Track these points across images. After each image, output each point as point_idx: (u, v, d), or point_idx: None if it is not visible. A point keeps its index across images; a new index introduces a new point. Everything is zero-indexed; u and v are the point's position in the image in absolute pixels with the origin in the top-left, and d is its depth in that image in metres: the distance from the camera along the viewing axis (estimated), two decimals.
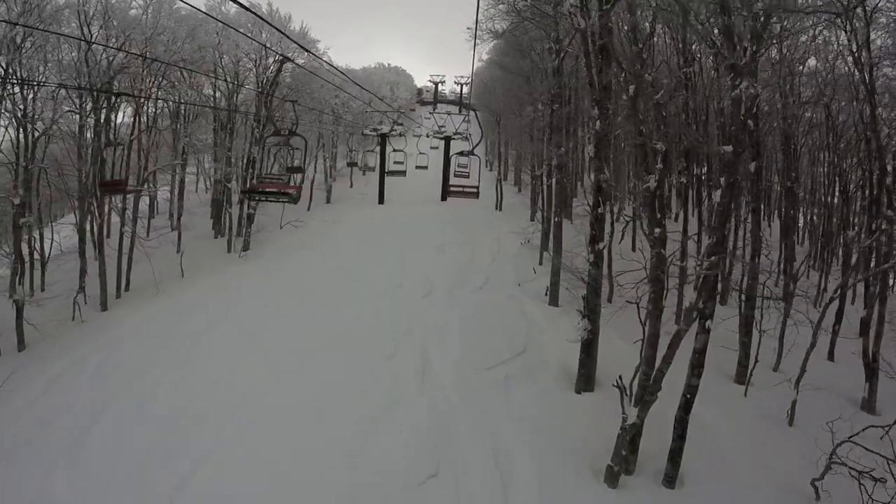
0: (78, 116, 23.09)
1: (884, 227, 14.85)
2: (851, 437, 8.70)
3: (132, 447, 11.99)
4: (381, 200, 38.50)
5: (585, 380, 14.12)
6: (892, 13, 16.65)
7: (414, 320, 18.39)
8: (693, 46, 21.81)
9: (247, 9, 8.62)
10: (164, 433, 12.40)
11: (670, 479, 10.47)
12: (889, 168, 15.50)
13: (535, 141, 32.20)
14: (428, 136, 39.26)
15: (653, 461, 10.78)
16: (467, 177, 32.02)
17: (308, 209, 37.43)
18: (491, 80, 47.05)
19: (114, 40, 23.45)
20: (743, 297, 15.21)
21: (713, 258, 8.91)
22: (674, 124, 17.42)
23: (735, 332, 15.86)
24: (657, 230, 9.70)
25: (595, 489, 10.50)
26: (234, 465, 11.26)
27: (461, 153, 30.24)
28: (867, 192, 19.74)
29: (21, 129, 20.37)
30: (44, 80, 21.49)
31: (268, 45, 27.70)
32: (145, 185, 27.65)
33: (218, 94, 32.60)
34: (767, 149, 21.49)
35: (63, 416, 13.54)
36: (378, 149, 38.42)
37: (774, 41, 14.95)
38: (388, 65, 74.82)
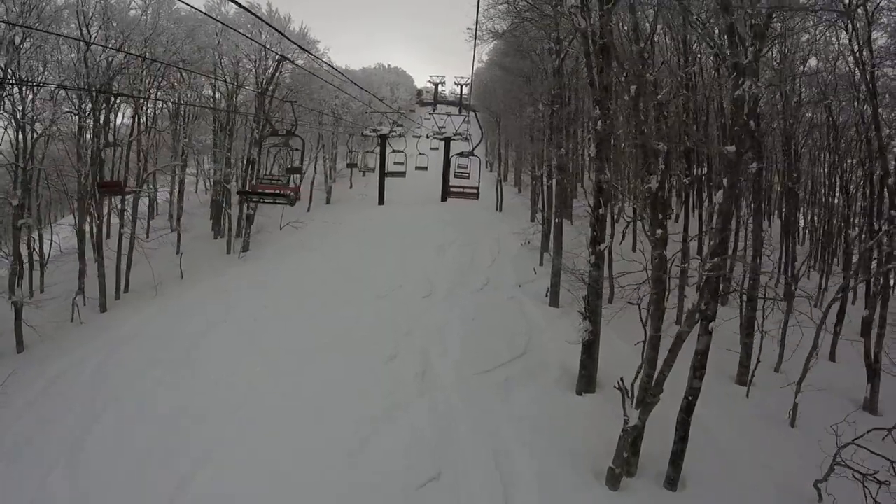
0: (77, 117, 23.04)
1: (886, 228, 14.78)
2: (855, 439, 8.63)
3: (133, 447, 11.97)
4: (380, 201, 38.45)
5: (586, 381, 14.06)
6: (893, 13, 16.59)
7: (414, 321, 18.33)
8: (693, 47, 21.81)
9: (246, 9, 8.58)
10: (165, 433, 12.39)
11: (672, 482, 10.41)
12: (891, 168, 15.44)
13: (535, 141, 32.17)
14: (428, 136, 39.22)
15: (654, 463, 10.72)
16: (467, 177, 31.99)
17: (308, 210, 37.40)
18: (491, 80, 47.05)
19: (113, 41, 23.40)
20: (744, 297, 15.14)
21: (716, 260, 8.85)
22: (674, 124, 17.36)
23: (735, 333, 15.83)
24: (659, 231, 9.65)
25: (596, 491, 10.44)
26: (235, 465, 11.24)
27: (461, 154, 30.20)
28: (868, 192, 19.69)
29: (20, 130, 20.33)
30: (43, 80, 21.42)
31: (267, 45, 27.65)
32: (144, 186, 27.56)
33: (217, 95, 32.57)
34: (767, 149, 21.43)
35: (63, 416, 13.52)
36: (378, 150, 38.38)
37: (777, 41, 14.87)
38: (388, 66, 75.04)
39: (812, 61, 21.41)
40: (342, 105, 42.18)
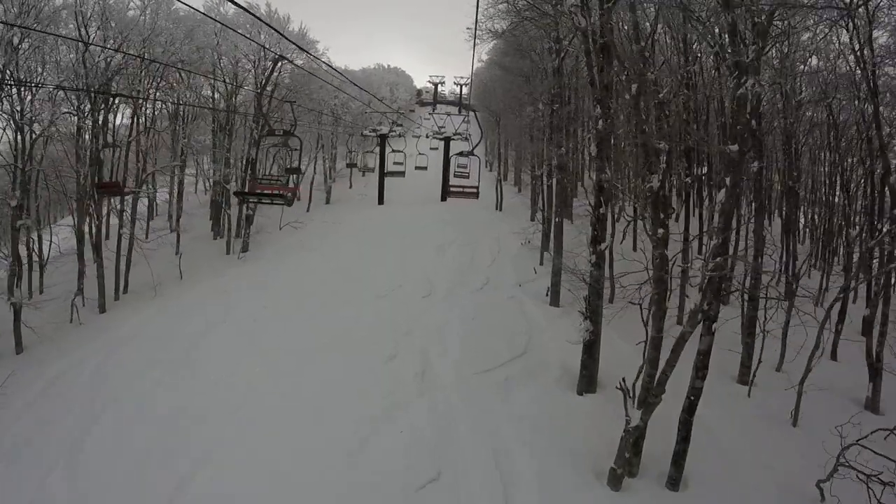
0: (76, 118, 23.00)
1: (888, 228, 14.74)
2: (860, 440, 8.57)
3: (132, 448, 11.94)
4: (380, 201, 38.43)
5: (587, 381, 14.00)
6: (894, 11, 16.54)
7: (414, 321, 18.29)
8: (693, 46, 21.76)
9: (245, 10, 8.53)
10: (164, 434, 12.35)
11: (674, 482, 10.36)
12: (892, 167, 15.40)
13: (535, 141, 32.13)
14: (427, 136, 39.20)
15: (656, 463, 10.67)
16: (467, 177, 31.97)
17: (307, 210, 37.38)
18: (490, 80, 47.03)
19: (111, 41, 23.36)
20: (746, 297, 15.10)
21: (718, 259, 8.80)
22: (675, 123, 17.33)
23: (735, 333, 15.77)
24: (660, 231, 9.60)
25: (598, 492, 10.39)
26: (234, 465, 11.21)
27: (461, 153, 30.19)
28: (869, 190, 19.65)
29: (18, 131, 20.28)
30: (41, 81, 21.38)
31: (266, 45, 27.61)
32: (144, 187, 27.51)
33: (216, 96, 32.52)
34: (767, 148, 21.39)
35: (62, 418, 13.49)
36: (377, 150, 38.35)
37: (779, 40, 14.83)
38: (388, 66, 74.96)
39: (812, 61, 21.42)
40: (342, 105, 42.15)
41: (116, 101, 23.91)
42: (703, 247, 21.93)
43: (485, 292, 21.23)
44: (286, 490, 10.58)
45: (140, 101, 26.30)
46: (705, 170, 23.30)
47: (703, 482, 10.47)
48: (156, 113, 31.31)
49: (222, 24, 24.57)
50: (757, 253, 15.52)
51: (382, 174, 37.95)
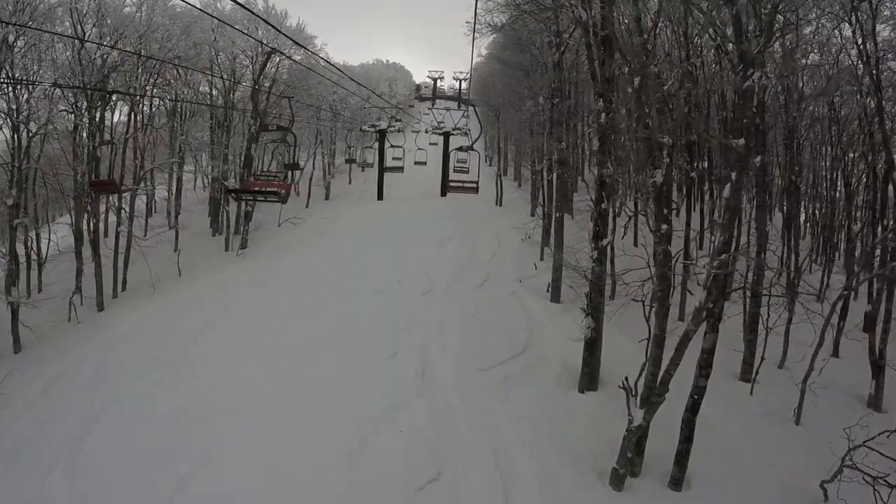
0: (73, 116, 22.84)
1: (892, 224, 14.60)
2: (867, 441, 8.46)
3: (132, 447, 11.90)
4: (380, 197, 38.32)
5: (589, 379, 13.89)
6: None
7: (413, 317, 18.21)
8: (695, 40, 21.56)
9: (241, 5, 8.38)
10: (164, 433, 12.30)
11: (677, 482, 10.26)
12: None
13: (534, 135, 31.97)
14: (427, 131, 39.05)
15: (659, 463, 10.57)
16: (467, 172, 31.81)
17: (306, 206, 37.25)
18: (490, 74, 46.82)
19: (108, 38, 23.17)
20: (748, 293, 14.97)
21: (724, 256, 8.67)
22: (678, 117, 17.16)
23: (737, 331, 15.64)
24: (664, 226, 9.46)
25: (600, 492, 10.30)
26: (234, 465, 11.17)
27: (460, 148, 30.05)
28: (872, 185, 19.50)
29: (15, 130, 20.12)
30: (37, 79, 21.21)
31: (264, 41, 27.41)
32: (141, 184, 27.35)
33: (214, 92, 32.33)
34: (768, 143, 21.23)
35: (62, 418, 13.44)
36: (376, 145, 38.19)
37: (783, 32, 14.65)
38: (387, 61, 74.55)
39: (814, 55, 21.23)
40: (340, 100, 41.94)
41: (114, 99, 23.75)
42: (703, 242, 21.87)
43: (485, 288, 21.14)
44: (286, 490, 10.53)
45: (137, 98, 26.11)
46: (706, 164, 23.15)
47: (707, 481, 10.38)
48: (153, 110, 31.13)
49: (219, 20, 24.43)
50: (759, 249, 15.37)
51: (381, 170, 37.80)
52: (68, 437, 12.54)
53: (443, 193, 36.60)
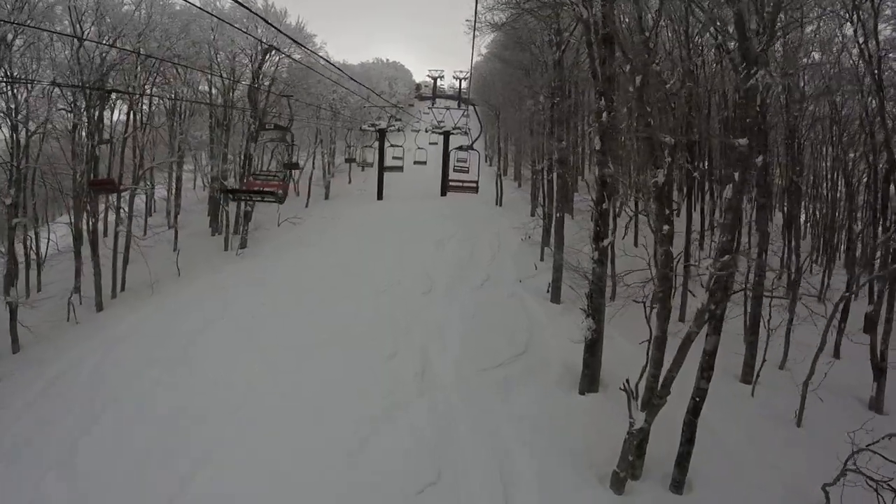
0: (71, 115, 22.76)
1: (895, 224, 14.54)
2: (870, 445, 8.38)
3: (132, 447, 11.86)
4: (379, 196, 38.24)
5: (589, 380, 13.81)
6: None
7: (413, 317, 18.14)
8: (696, 39, 21.46)
9: (241, 4, 8.29)
10: (164, 433, 12.26)
11: (678, 485, 10.18)
12: None
13: (535, 135, 31.88)
14: (427, 131, 38.97)
15: (660, 466, 10.50)
16: (467, 171, 31.75)
17: (306, 206, 37.20)
18: (490, 73, 46.73)
19: (107, 37, 23.08)
20: (749, 294, 14.89)
21: (726, 258, 8.59)
22: (678, 117, 17.09)
23: (737, 331, 15.56)
24: (665, 227, 9.38)
25: (600, 495, 10.23)
26: (234, 465, 11.14)
27: (460, 148, 29.99)
28: (873, 185, 19.42)
29: (13, 129, 20.04)
30: (35, 78, 21.13)
31: (263, 40, 27.34)
32: (140, 183, 27.27)
33: (214, 91, 32.25)
34: (769, 143, 21.14)
35: (62, 417, 13.39)
36: (376, 144, 38.11)
37: (787, 30, 14.57)
38: (387, 60, 74.44)
39: (815, 55, 21.15)
40: (340, 100, 41.85)
41: (113, 97, 23.65)
42: (706, 243, 21.78)
43: (485, 289, 21.05)
44: (286, 490, 10.51)
45: (136, 96, 26.03)
46: (706, 164, 23.08)
47: (708, 484, 10.31)
48: (152, 109, 31.05)
49: (219, 19, 24.32)
50: (760, 250, 15.30)
51: (381, 169, 37.73)
52: (68, 437, 12.50)
53: (443, 193, 36.53)
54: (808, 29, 18.97)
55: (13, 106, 19.92)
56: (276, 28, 10.90)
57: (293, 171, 34.18)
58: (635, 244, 23.84)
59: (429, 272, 22.51)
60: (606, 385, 13.64)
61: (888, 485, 7.87)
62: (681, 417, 10.18)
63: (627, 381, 10.00)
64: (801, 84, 20.59)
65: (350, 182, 45.18)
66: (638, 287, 11.57)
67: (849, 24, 16.69)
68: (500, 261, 24.38)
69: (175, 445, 11.77)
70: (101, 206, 26.73)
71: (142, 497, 10.50)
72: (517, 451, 11.52)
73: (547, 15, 20.26)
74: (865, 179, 21.90)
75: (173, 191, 32.70)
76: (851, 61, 18.39)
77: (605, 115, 12.16)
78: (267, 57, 29.71)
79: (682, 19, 19.13)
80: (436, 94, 74.62)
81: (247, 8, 9.94)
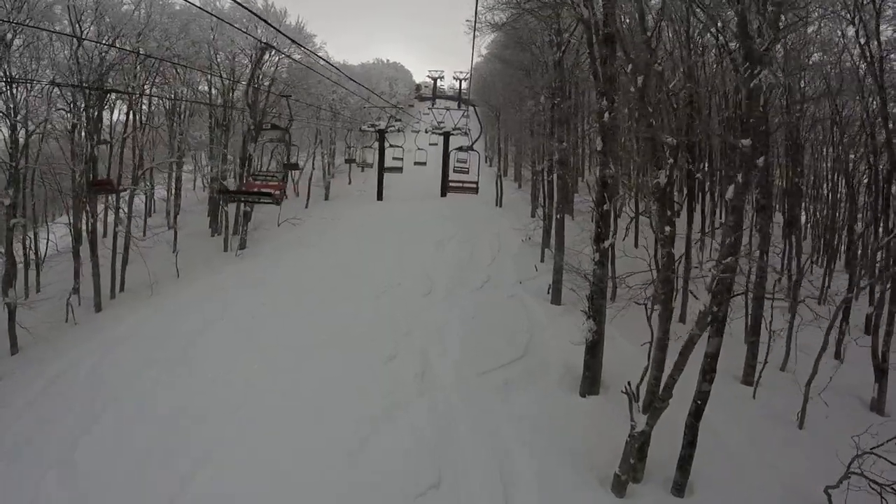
0: (71, 115, 22.70)
1: None
2: (874, 448, 8.32)
3: (132, 447, 11.85)
4: (379, 197, 38.19)
5: (590, 382, 13.73)
6: None
7: (413, 319, 18.08)
8: (696, 38, 21.40)
9: (240, 4, 8.24)
10: (164, 433, 12.25)
11: (679, 487, 10.11)
12: None
13: (535, 136, 31.82)
14: (427, 131, 38.93)
15: (661, 469, 10.43)
16: (467, 172, 31.71)
17: (306, 206, 37.17)
18: (490, 74, 46.71)
19: (106, 37, 23.03)
20: (751, 296, 14.84)
21: (729, 260, 8.52)
22: (679, 117, 17.04)
23: (738, 332, 15.50)
24: (667, 228, 9.31)
25: (602, 497, 10.17)
26: (235, 465, 11.12)
27: (460, 148, 29.95)
28: (872, 187, 19.37)
29: (12, 129, 19.98)
30: (34, 78, 21.07)
31: (263, 40, 27.30)
32: (140, 184, 27.21)
33: (214, 91, 32.20)
34: (769, 143, 21.03)
35: (63, 417, 13.39)
36: (376, 145, 38.07)
37: (790, 30, 14.50)
38: (387, 61, 74.44)
39: (815, 55, 21.10)
40: (340, 100, 41.82)
41: (112, 98, 23.59)
42: (706, 243, 21.70)
43: (485, 290, 20.99)
44: (286, 490, 10.49)
45: (135, 96, 25.98)
46: (706, 165, 23.00)
47: (710, 486, 10.24)
48: (152, 109, 31.00)
49: (218, 19, 24.27)
50: (762, 251, 15.24)
51: (381, 170, 37.69)
52: (69, 437, 12.50)
53: (443, 194, 36.49)
54: (809, 29, 18.91)
55: (12, 106, 19.85)
56: (275, 28, 10.86)
57: (293, 172, 34.23)
58: (636, 245, 23.77)
59: (429, 273, 22.46)
60: (607, 387, 13.59)
61: (892, 488, 7.82)
62: (682, 419, 10.11)
63: (629, 383, 9.94)
64: (802, 85, 20.57)
65: (350, 183, 45.14)
66: (639, 289, 11.49)
67: (850, 24, 16.68)
68: (500, 262, 24.32)
69: (175, 445, 11.77)
70: (101, 207, 26.68)
71: (142, 497, 10.49)
72: (517, 451, 11.47)
73: (547, 15, 20.17)
74: (866, 180, 21.83)
75: (173, 191, 32.65)
76: (852, 62, 18.36)
77: (606, 115, 12.10)
78: (267, 57, 29.61)
79: (683, 19, 19.07)
80: (436, 94, 74.58)
81: (246, 8, 9.90)
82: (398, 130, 39.84)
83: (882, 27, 16.08)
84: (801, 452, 11.54)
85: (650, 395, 9.89)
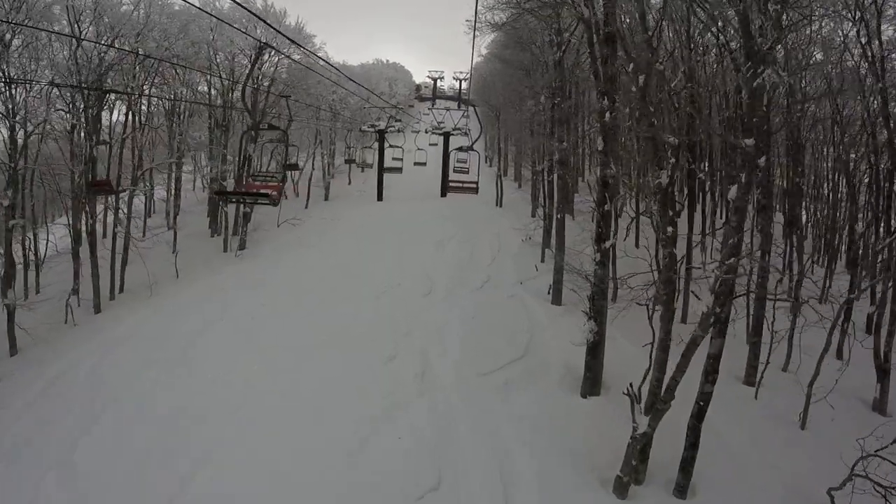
0: (70, 115, 22.65)
1: None
2: (878, 451, 8.26)
3: (132, 448, 11.85)
4: (379, 197, 38.15)
5: (591, 383, 13.68)
6: None
7: (413, 319, 18.04)
8: (696, 38, 21.36)
9: (239, 4, 8.22)
10: (164, 434, 12.24)
11: (682, 489, 10.06)
12: None
13: (535, 135, 31.77)
14: (427, 132, 38.88)
15: (663, 470, 10.39)
16: (467, 172, 31.65)
17: (306, 207, 37.14)
18: (490, 74, 46.64)
19: (105, 37, 22.98)
20: (752, 296, 14.80)
21: (732, 260, 8.47)
22: (681, 117, 16.97)
23: (739, 333, 15.44)
24: (669, 229, 9.26)
25: (603, 499, 10.13)
26: (234, 465, 11.12)
27: (460, 148, 29.89)
28: (873, 186, 19.33)
29: (11, 129, 19.94)
30: (33, 78, 21.02)
31: (262, 40, 27.24)
32: (139, 184, 27.16)
33: (213, 92, 32.14)
34: (770, 143, 20.98)
35: (62, 418, 13.38)
36: (376, 145, 38.02)
37: (793, 29, 14.47)
38: (387, 61, 74.37)
39: (817, 55, 21.04)
40: (340, 100, 41.76)
41: (111, 98, 23.54)
42: (707, 243, 21.64)
43: (485, 291, 20.94)
44: (286, 490, 10.49)
45: (134, 97, 25.93)
46: (706, 165, 22.96)
47: (712, 488, 10.20)
48: (151, 109, 30.94)
49: (218, 19, 24.22)
50: (763, 251, 15.19)
51: (381, 170, 37.65)
52: (68, 438, 12.49)
53: (443, 194, 36.45)
54: (810, 29, 18.86)
55: (11, 106, 19.79)
56: (274, 28, 10.82)
57: (293, 172, 34.16)
58: (636, 245, 23.72)
59: (429, 273, 22.41)
60: (609, 388, 13.54)
61: None
62: (684, 420, 10.07)
63: (631, 385, 9.88)
64: (803, 84, 20.52)
65: (350, 183, 45.09)
66: (641, 289, 11.45)
67: (851, 24, 16.65)
68: (500, 262, 24.27)
69: (175, 445, 11.77)
70: (100, 208, 26.62)
71: (142, 497, 10.49)
72: (517, 451, 11.45)
73: (548, 14, 20.13)
74: (867, 180, 21.78)
75: (172, 192, 32.58)
76: (853, 61, 18.33)
77: (607, 115, 12.05)
78: (267, 57, 29.54)
79: (683, 19, 19.02)
80: (436, 94, 74.52)
81: (246, 8, 9.87)
82: (398, 131, 39.76)
83: (883, 27, 16.08)
84: (803, 453, 11.50)
85: (652, 396, 9.84)
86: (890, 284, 15.03)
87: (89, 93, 21.63)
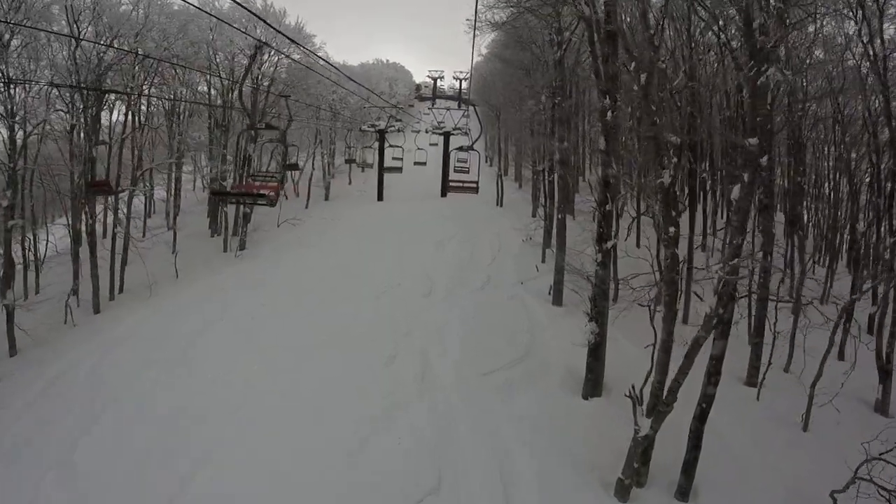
0: (69, 116, 22.59)
1: None
2: (882, 454, 8.20)
3: (132, 448, 11.85)
4: (379, 197, 38.09)
5: (593, 384, 13.62)
6: None
7: (413, 319, 18.00)
8: (697, 37, 21.30)
9: (239, 3, 8.16)
10: (164, 434, 12.24)
11: (684, 492, 10.00)
12: None
13: (535, 135, 31.69)
14: (427, 131, 38.81)
15: (665, 472, 10.34)
16: (467, 172, 31.58)
17: (306, 207, 37.08)
18: (490, 74, 46.57)
19: (104, 37, 22.92)
20: (754, 297, 14.74)
21: (735, 261, 8.41)
22: (683, 116, 16.94)
23: (741, 334, 15.38)
24: (672, 229, 9.19)
25: (604, 502, 10.08)
26: (234, 465, 11.13)
27: (460, 148, 29.83)
28: (874, 186, 19.27)
29: (11, 130, 19.88)
30: (32, 79, 20.96)
31: (262, 39, 27.18)
32: (139, 185, 27.10)
33: (213, 92, 32.08)
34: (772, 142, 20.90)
35: (62, 418, 13.38)
36: (376, 145, 37.95)
37: (796, 27, 14.41)
38: (387, 61, 74.30)
39: (818, 54, 20.98)
40: (340, 100, 41.69)
41: (111, 98, 23.48)
42: (707, 243, 21.62)
43: (485, 291, 20.88)
44: (286, 490, 10.50)
45: (134, 97, 25.87)
46: (707, 165, 22.90)
47: (714, 490, 10.15)
48: (150, 110, 30.88)
49: (217, 19, 24.14)
50: (765, 251, 15.12)
51: (381, 170, 37.59)
52: (68, 438, 12.49)
53: (443, 194, 36.39)
54: (811, 28, 18.80)
55: (10, 107, 19.74)
56: (274, 28, 10.77)
57: (293, 172, 34.08)
58: (637, 245, 23.66)
59: (429, 274, 22.36)
60: (610, 389, 13.49)
61: None
62: (686, 422, 10.02)
63: (633, 387, 9.81)
64: (804, 83, 20.44)
65: (350, 183, 45.03)
66: (642, 290, 11.38)
67: (853, 22, 16.60)
68: (500, 262, 24.20)
69: (175, 445, 11.78)
70: (100, 208, 26.56)
71: (142, 497, 10.50)
72: (518, 452, 11.43)
73: (548, 14, 20.08)
74: (868, 179, 21.73)
75: (172, 192, 32.52)
76: (855, 61, 18.27)
77: (609, 113, 11.99)
78: (266, 57, 29.47)
79: (684, 17, 18.98)
80: (436, 94, 74.43)
81: (245, 8, 9.81)
82: (398, 130, 39.69)
83: (885, 26, 16.03)
84: (805, 455, 11.46)
85: (654, 398, 9.78)
86: (892, 285, 14.95)
87: (88, 93, 21.57)
